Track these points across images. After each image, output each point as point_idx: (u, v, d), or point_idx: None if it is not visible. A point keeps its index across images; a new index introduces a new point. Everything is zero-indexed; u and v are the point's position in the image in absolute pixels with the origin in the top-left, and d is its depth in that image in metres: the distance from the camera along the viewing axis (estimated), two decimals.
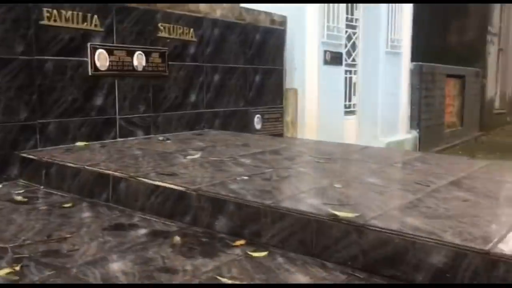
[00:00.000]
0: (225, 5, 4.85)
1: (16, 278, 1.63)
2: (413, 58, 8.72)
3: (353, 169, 3.00)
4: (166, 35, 3.99)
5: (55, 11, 3.20)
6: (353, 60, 7.46)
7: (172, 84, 4.08)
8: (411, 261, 1.62)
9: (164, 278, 1.66)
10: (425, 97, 8.97)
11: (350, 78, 7.33)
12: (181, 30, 4.11)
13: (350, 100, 7.39)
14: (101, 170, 2.61)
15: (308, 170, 2.86)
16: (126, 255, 1.84)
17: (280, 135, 5.31)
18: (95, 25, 3.45)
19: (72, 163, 2.76)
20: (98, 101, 3.53)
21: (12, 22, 2.99)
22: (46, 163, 2.89)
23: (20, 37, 3.04)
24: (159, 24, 3.93)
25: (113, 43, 3.59)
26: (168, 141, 3.67)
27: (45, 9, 3.15)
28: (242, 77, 4.83)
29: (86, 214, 2.37)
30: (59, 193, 2.74)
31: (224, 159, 2.96)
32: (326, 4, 6.61)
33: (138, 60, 3.75)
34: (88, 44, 3.41)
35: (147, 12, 3.84)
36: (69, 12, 3.28)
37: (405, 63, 8.57)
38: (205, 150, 3.30)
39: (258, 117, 4.99)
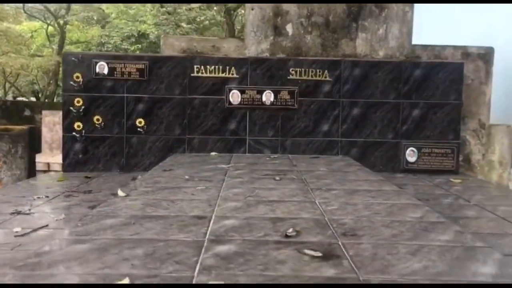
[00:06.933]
0: (391, 45, 5.34)
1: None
2: None
3: None
4: (297, 77, 5.06)
5: (202, 67, 5.01)
6: None
7: (301, 116, 5.08)
8: None
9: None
10: None
11: None
12: (313, 72, 5.07)
13: None
14: None
15: None
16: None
17: (450, 171, 5.10)
18: (232, 74, 5.03)
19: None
20: (232, 125, 5.05)
21: (174, 76, 5.00)
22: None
23: (178, 84, 5.01)
24: (291, 69, 5.06)
25: (246, 85, 5.04)
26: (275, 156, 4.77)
27: (195, 66, 5.01)
28: (393, 111, 5.12)
29: None
30: None
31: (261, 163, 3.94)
32: None
33: (267, 97, 5.03)
34: (225, 87, 5.02)
35: (280, 60, 5.07)
36: (213, 67, 5.02)
37: None
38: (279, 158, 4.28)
39: (411, 150, 5.09)
